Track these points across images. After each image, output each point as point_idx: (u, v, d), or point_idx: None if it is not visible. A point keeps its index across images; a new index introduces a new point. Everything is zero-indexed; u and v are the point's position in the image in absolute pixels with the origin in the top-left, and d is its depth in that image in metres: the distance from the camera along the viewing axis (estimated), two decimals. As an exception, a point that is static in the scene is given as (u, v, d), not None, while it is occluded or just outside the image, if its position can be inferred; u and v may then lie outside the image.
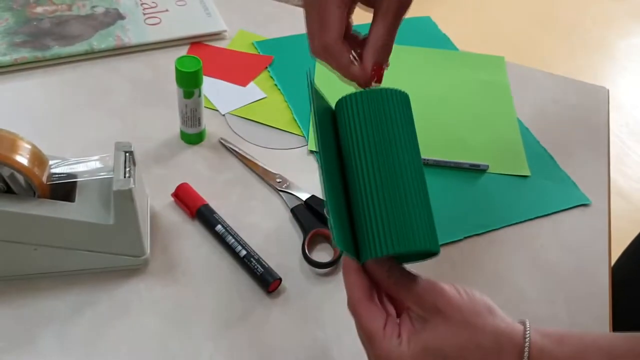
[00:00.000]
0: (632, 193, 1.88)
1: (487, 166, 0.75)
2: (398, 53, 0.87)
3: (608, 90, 0.89)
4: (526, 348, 0.41)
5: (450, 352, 0.42)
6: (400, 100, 0.48)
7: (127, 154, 0.59)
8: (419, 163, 0.47)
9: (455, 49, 0.92)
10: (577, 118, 0.85)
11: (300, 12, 0.95)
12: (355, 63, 0.52)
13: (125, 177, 0.57)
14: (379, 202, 0.44)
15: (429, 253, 0.46)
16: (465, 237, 0.68)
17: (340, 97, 0.49)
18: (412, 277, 0.45)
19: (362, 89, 0.50)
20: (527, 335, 0.42)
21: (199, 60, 0.68)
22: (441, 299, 0.43)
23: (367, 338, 0.44)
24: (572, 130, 0.83)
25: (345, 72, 0.53)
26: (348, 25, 0.54)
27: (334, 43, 0.52)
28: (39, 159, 0.57)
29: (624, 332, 0.43)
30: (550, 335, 0.42)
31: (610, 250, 0.70)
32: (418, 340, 0.42)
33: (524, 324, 0.43)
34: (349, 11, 0.54)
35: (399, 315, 0.46)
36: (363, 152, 0.46)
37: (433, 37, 0.93)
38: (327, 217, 0.43)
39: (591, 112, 0.86)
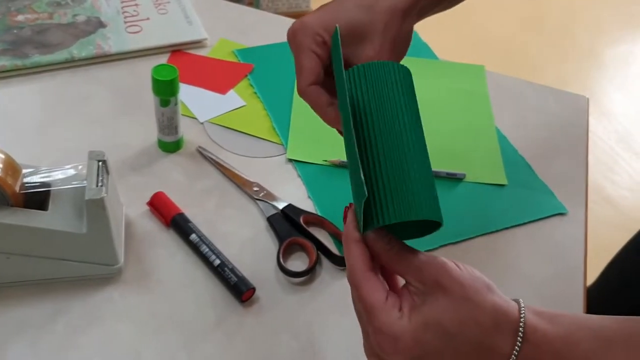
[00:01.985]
0: (620, 200, 1.89)
1: (464, 175, 0.75)
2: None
3: (588, 99, 0.90)
4: (521, 326, 0.42)
5: (450, 326, 0.42)
6: (403, 73, 0.48)
7: (100, 163, 0.59)
8: (421, 135, 0.47)
9: (435, 57, 0.92)
10: (557, 127, 0.85)
11: (280, 20, 0.96)
12: (332, 107, 0.52)
13: (97, 186, 0.57)
14: (381, 173, 0.44)
15: (432, 225, 0.46)
16: (441, 246, 0.68)
17: None
18: (413, 251, 0.45)
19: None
20: (522, 314, 0.42)
21: (175, 69, 0.68)
22: (443, 273, 0.43)
23: (366, 310, 0.43)
24: (551, 139, 0.83)
25: (322, 116, 0.53)
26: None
27: (305, 88, 0.53)
28: (12, 168, 0.57)
29: None
30: (543, 314, 0.43)
31: (587, 261, 0.70)
32: (419, 314, 0.42)
33: (518, 302, 0.43)
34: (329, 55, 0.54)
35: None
36: (365, 125, 0.45)
37: (413, 46, 0.93)
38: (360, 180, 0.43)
39: (571, 121, 0.86)
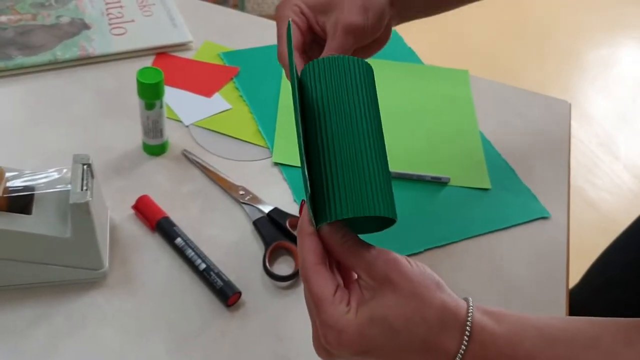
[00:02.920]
0: (601, 203, 1.91)
1: (449, 179, 0.75)
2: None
3: (570, 104, 0.91)
4: (468, 325, 0.43)
5: (396, 322, 0.42)
6: (363, 68, 0.48)
7: (85, 167, 0.59)
8: (379, 131, 0.47)
9: (420, 62, 0.93)
10: (539, 131, 0.86)
11: (266, 23, 0.96)
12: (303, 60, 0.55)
13: (82, 189, 0.57)
14: (336, 167, 0.44)
15: (387, 221, 0.46)
16: (425, 250, 0.69)
17: None
18: (365, 245, 0.45)
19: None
20: (469, 312, 0.43)
21: (161, 72, 0.68)
22: (393, 268, 0.43)
23: (315, 303, 0.44)
24: (534, 144, 0.84)
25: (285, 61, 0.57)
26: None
27: (283, 53, 0.57)
28: (-6, 171, 0.56)
29: None
30: (491, 313, 0.44)
31: (569, 264, 0.71)
32: (365, 309, 0.43)
33: (467, 301, 0.44)
34: (311, 22, 0.58)
35: (346, 287, 0.46)
36: (322, 118, 0.45)
37: (398, 51, 0.94)
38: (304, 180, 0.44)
39: (553, 126, 0.87)
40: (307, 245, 0.45)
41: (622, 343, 0.43)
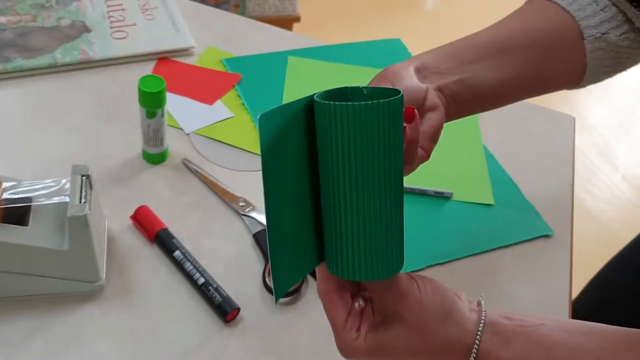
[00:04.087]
0: (599, 213, 1.91)
1: (452, 194, 0.75)
2: (364, 75, 0.88)
3: (574, 119, 0.90)
4: (474, 352, 0.45)
5: (402, 351, 0.46)
6: (394, 110, 0.42)
7: (84, 178, 0.57)
8: (399, 185, 0.44)
9: (425, 72, 0.92)
10: (543, 146, 0.85)
11: (270, 29, 0.95)
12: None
13: (80, 202, 0.56)
14: (357, 224, 0.42)
15: None
16: (428, 266, 0.68)
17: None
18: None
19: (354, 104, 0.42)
20: (477, 339, 0.45)
21: (163, 80, 0.67)
22: (402, 304, 0.45)
23: (332, 327, 0.47)
24: (538, 159, 0.83)
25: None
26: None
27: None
28: (-9, 181, 0.55)
29: None
30: (502, 333, 0.45)
31: (572, 283, 0.70)
32: (374, 337, 0.46)
33: (480, 311, 0.46)
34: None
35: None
36: (346, 169, 0.42)
37: (402, 60, 0.93)
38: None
39: (557, 140, 0.86)
40: (322, 272, 0.46)
41: None
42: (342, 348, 0.46)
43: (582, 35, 0.60)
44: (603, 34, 0.60)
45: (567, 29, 0.60)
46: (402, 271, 0.45)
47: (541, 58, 0.60)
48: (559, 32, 0.60)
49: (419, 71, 0.55)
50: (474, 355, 0.45)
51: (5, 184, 0.56)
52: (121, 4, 0.92)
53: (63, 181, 0.58)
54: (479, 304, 0.47)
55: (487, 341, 0.45)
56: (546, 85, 0.63)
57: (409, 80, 0.53)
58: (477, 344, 0.45)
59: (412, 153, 0.48)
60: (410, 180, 0.75)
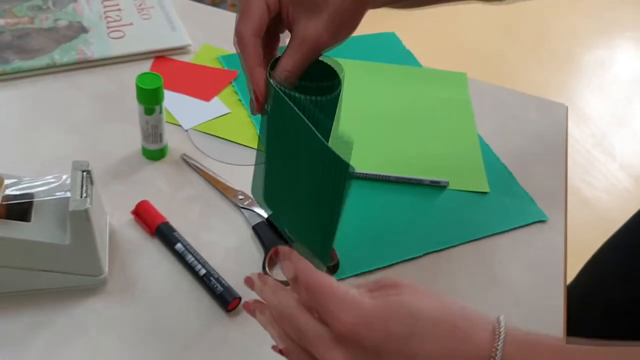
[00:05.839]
0: (596, 202, 1.92)
1: (447, 183, 0.76)
2: (361, 69, 0.89)
3: (567, 107, 0.91)
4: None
5: (426, 322, 0.42)
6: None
7: (84, 173, 0.58)
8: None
9: (419, 65, 0.93)
10: (537, 134, 0.86)
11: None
12: (262, 68, 0.50)
13: (81, 197, 0.57)
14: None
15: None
16: (425, 254, 0.69)
17: None
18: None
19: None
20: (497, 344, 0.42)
21: (160, 77, 0.68)
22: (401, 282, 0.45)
23: (319, 291, 0.41)
24: (532, 147, 0.84)
25: (250, 72, 0.51)
26: (275, 39, 0.54)
27: (249, 34, 0.50)
28: (-6, 178, 0.56)
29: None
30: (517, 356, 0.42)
31: (566, 267, 0.71)
32: (387, 296, 0.42)
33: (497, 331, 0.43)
34: (274, 18, 0.52)
35: None
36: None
37: (397, 54, 0.94)
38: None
39: (550, 129, 0.87)
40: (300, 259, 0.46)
41: None
42: (347, 312, 0.39)
43: None
44: None
45: None
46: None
47: None
48: None
49: None
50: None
51: (7, 181, 0.57)
52: (118, 4, 0.93)
53: (64, 177, 0.59)
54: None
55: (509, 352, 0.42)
56: None
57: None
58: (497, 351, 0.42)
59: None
60: (405, 170, 0.76)
